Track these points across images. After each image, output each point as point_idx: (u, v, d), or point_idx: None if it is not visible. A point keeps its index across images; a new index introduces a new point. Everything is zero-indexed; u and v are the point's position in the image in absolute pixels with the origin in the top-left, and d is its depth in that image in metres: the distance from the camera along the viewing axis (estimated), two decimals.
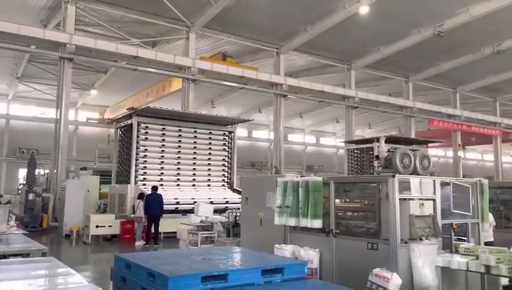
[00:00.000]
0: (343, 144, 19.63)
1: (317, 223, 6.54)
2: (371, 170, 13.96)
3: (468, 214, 6.48)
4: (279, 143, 16.93)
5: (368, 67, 18.97)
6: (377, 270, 5.34)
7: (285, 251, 6.55)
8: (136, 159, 14.18)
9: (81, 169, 19.95)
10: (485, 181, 6.83)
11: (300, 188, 6.84)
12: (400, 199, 5.75)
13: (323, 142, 34.61)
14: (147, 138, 14.53)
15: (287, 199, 6.93)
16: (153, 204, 12.10)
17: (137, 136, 14.24)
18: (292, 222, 6.83)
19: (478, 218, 6.56)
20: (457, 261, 5.20)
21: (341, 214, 7.21)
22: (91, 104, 25.66)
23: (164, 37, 16.51)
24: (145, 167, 14.40)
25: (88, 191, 15.04)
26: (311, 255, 6.36)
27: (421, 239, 5.63)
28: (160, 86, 19.00)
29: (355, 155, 16.16)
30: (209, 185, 15.36)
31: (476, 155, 41.96)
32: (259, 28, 15.76)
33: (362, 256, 5.93)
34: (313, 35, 15.43)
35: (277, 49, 17.04)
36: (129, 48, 14.86)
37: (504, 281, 5.57)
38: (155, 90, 19.59)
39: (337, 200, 7.22)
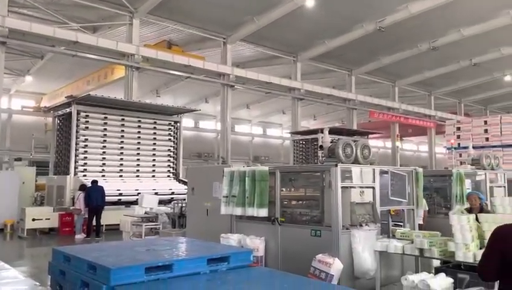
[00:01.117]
0: (289, 135, 19.98)
1: (263, 212, 6.64)
2: (316, 160, 14.38)
3: (405, 200, 6.86)
4: (226, 134, 16.90)
5: (313, 60, 19.35)
6: (319, 256, 5.52)
7: (232, 240, 6.59)
8: (76, 150, 13.61)
9: (16, 160, 18.86)
10: (420, 170, 7.25)
11: (246, 178, 6.90)
12: (342, 187, 5.96)
13: (270, 133, 35.02)
14: (87, 127, 13.96)
15: (234, 188, 6.97)
16: (94, 195, 11.71)
17: (77, 126, 13.66)
18: (238, 211, 6.89)
19: (413, 204, 6.96)
20: (394, 245, 5.49)
21: (286, 202, 7.37)
22: (26, 91, 24.14)
23: (106, 22, 15.83)
24: (85, 158, 13.86)
25: (23, 183, 14.27)
26: (256, 244, 6.45)
27: (361, 225, 5.88)
28: (102, 73, 18.25)
29: (301, 146, 16.57)
30: (154, 176, 15.07)
31: (412, 146, 44.37)
32: (205, 16, 15.56)
33: (306, 243, 6.11)
34: (260, 26, 15.48)
35: (224, 39, 16.92)
36: (68, 32, 14.10)
37: (436, 262, 5.96)
38: (96, 78, 18.78)
39: (283, 189, 7.38)
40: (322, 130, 6.68)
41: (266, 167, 7.00)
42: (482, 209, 6.35)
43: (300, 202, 7.56)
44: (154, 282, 3.00)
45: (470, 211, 6.22)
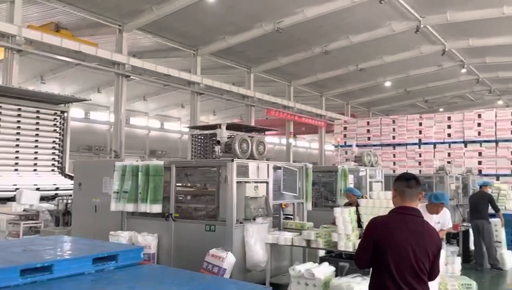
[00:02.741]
0: (187, 130, 19.71)
1: (157, 208, 6.47)
2: (213, 155, 14.42)
3: (295, 194, 7.22)
4: (119, 126, 16.08)
5: (214, 55, 19.36)
6: (213, 251, 5.55)
7: (122, 237, 6.32)
8: None
9: None
10: (310, 165, 7.68)
11: (140, 173, 6.65)
12: (237, 182, 6.06)
13: (168, 127, 34.27)
14: None
15: (126, 184, 6.67)
16: None
17: None
18: (130, 207, 6.62)
19: (303, 198, 7.36)
20: (284, 237, 5.74)
21: (181, 198, 7.27)
22: None
23: None
24: None
25: None
26: (148, 241, 6.26)
27: (254, 219, 6.05)
28: None
29: (199, 141, 16.42)
30: (35, 170, 13.74)
31: (305, 143, 46.99)
32: (99, 0, 14.60)
33: (200, 238, 6.09)
34: (159, 16, 14.99)
35: (120, 26, 16.05)
36: None
37: (321, 253, 6.37)
38: None
39: (179, 185, 7.26)
40: (220, 126, 6.71)
41: (161, 161, 6.83)
42: (357, 204, 6.85)
43: (196, 197, 7.52)
44: (31, 285, 2.72)
45: (350, 204, 6.74)
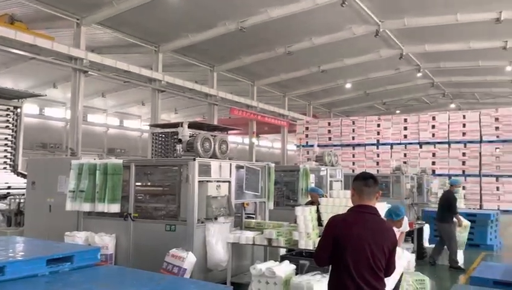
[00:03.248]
0: (148, 128, 19.31)
1: (115, 208, 6.31)
2: (175, 154, 14.21)
3: (257, 194, 7.24)
4: (76, 123, 15.52)
5: (176, 52, 19.08)
6: (173, 251, 5.48)
7: (78, 238, 6.12)
8: None
9: None
10: (272, 165, 7.74)
11: (97, 171, 6.46)
12: (199, 181, 6.01)
13: (128, 125, 33.50)
14: None
15: (82, 182, 6.46)
16: None
17: None
18: (87, 207, 6.42)
19: (265, 197, 7.40)
20: (246, 236, 5.75)
21: (141, 197, 7.12)
22: None
23: None
24: None
25: None
26: (106, 241, 6.10)
27: (216, 218, 6.02)
28: None
29: (160, 139, 16.11)
30: None
31: (268, 143, 47.27)
32: None
33: (160, 238, 6.00)
34: (119, 10, 14.57)
35: (78, 20, 15.48)
36: None
37: (282, 251, 6.43)
38: None
39: (138, 184, 7.11)
40: (182, 124, 6.62)
41: (120, 160, 6.67)
42: (318, 203, 6.96)
43: (157, 196, 7.39)
44: None
45: (312, 203, 6.85)
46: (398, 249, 4.99)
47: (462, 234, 8.82)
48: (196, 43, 17.42)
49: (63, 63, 15.51)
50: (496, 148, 15.18)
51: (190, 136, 6.53)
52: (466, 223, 9.01)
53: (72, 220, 6.70)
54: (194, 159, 5.93)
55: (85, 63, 15.43)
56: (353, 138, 18.03)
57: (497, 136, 15.19)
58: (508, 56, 19.34)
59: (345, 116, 28.88)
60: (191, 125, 7.25)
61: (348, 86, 25.29)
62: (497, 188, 14.82)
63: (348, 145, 18.08)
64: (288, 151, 29.28)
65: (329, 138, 18.60)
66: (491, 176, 15.04)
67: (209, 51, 18.89)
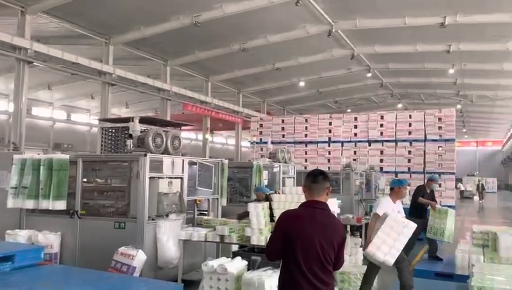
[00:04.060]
0: (97, 122, 18.66)
1: (61, 205, 6.06)
2: (125, 150, 13.80)
3: (210, 190, 7.20)
4: (19, 116, 14.71)
5: (128, 45, 18.53)
6: (122, 249, 5.34)
7: (20, 236, 5.82)
8: None
9: None
10: (226, 161, 7.72)
11: (42, 167, 6.17)
12: (150, 177, 5.89)
13: (75, 119, 32.22)
14: None
15: (25, 178, 6.15)
16: None
17: None
18: (30, 204, 6.12)
19: (218, 194, 7.37)
20: (198, 233, 5.70)
21: (89, 194, 6.88)
22: None
23: None
24: None
25: None
26: (50, 240, 5.84)
27: (167, 215, 5.92)
28: None
29: (110, 134, 15.58)
30: None
31: (222, 139, 47.18)
32: None
33: (109, 236, 5.83)
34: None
35: (23, 8, 14.65)
36: None
37: (234, 247, 6.43)
38: None
39: (86, 180, 6.86)
40: (133, 119, 6.44)
41: (67, 155, 6.40)
42: (267, 199, 6.98)
43: (105, 193, 7.17)
44: None
45: (258, 201, 6.83)
46: (392, 214, 5.19)
47: (441, 220, 8.22)
48: (149, 37, 17.00)
49: (5, 53, 14.62)
50: (439, 146, 15.98)
51: (141, 132, 6.37)
52: (440, 208, 8.56)
53: (14, 218, 6.37)
54: (145, 155, 5.80)
55: (30, 53, 14.65)
56: (306, 136, 18.33)
57: (440, 136, 15.98)
58: (451, 59, 20.44)
59: (299, 114, 29.33)
60: (143, 121, 7.07)
61: (302, 84, 25.70)
62: (440, 185, 15.63)
63: (300, 142, 18.36)
64: (242, 148, 29.36)
65: (283, 135, 18.81)
66: (434, 173, 15.83)
67: (163, 44, 18.52)
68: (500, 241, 5.89)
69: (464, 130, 47.01)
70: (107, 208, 6.65)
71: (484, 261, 5.00)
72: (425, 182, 9.71)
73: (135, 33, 17.02)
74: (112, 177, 7.23)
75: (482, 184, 30.88)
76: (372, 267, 5.42)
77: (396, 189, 5.66)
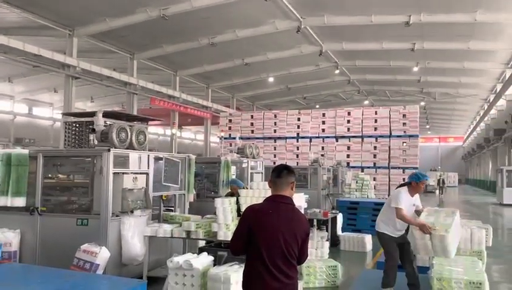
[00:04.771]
0: (61, 116, 18.08)
1: (20, 201, 5.85)
2: (88, 145, 13.41)
3: (177, 186, 7.12)
4: None
5: (93, 37, 17.99)
6: (85, 246, 5.20)
7: None
8: None
9: None
10: (193, 157, 7.64)
11: (0, 162, 5.91)
12: (114, 173, 5.75)
13: (37, 113, 31.14)
14: None
15: None
16: None
17: None
18: None
19: (185, 189, 7.29)
20: (164, 229, 5.62)
21: (50, 190, 6.66)
22: None
23: None
24: None
25: None
26: (9, 238, 5.63)
27: (132, 212, 5.81)
28: None
29: (74, 129, 15.08)
30: None
31: (191, 135, 46.77)
32: None
33: (71, 233, 5.67)
34: None
35: None
36: None
37: (201, 243, 6.39)
38: None
39: (47, 176, 6.64)
40: (97, 113, 6.28)
41: (26, 150, 6.16)
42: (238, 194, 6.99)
43: (68, 189, 6.96)
44: None
45: (232, 195, 6.88)
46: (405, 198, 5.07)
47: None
48: (115, 29, 16.58)
49: None
50: (403, 142, 16.44)
51: (106, 126, 6.21)
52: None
53: None
54: (109, 150, 5.66)
55: None
56: (275, 131, 18.46)
57: (404, 132, 16.46)
58: (416, 57, 21.01)
59: (268, 109, 29.43)
60: (109, 115, 6.90)
61: (271, 80, 25.78)
62: (403, 179, 16.07)
63: (269, 138, 18.47)
64: (211, 143, 29.19)
65: (252, 131, 18.86)
66: (398, 168, 16.29)
67: (129, 37, 18.12)
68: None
69: (427, 126, 48.54)
70: (70, 204, 6.47)
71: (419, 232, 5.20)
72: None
73: (100, 25, 16.56)
74: (75, 173, 7.03)
75: (443, 179, 32.00)
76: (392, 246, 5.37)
77: (413, 184, 5.40)
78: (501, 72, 23.92)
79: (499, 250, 9.19)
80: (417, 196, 5.56)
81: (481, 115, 36.83)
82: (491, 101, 29.39)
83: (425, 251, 4.98)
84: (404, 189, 5.46)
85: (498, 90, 25.80)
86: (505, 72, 23.20)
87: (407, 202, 5.29)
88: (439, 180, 31.01)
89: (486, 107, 32.02)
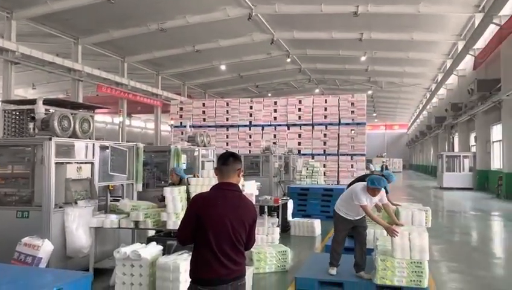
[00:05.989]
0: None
1: None
2: (28, 133, 12.73)
3: (124, 175, 6.93)
4: None
5: (33, 20, 16.99)
6: (26, 239, 4.96)
7: None
8: None
9: None
10: (141, 145, 7.46)
11: None
12: (56, 163, 5.50)
13: None
14: None
15: None
16: None
17: None
18: None
19: (133, 179, 7.12)
20: (111, 220, 5.47)
21: None
22: None
23: None
24: None
25: None
26: None
27: (76, 203, 5.60)
28: None
29: (14, 117, 14.24)
30: None
31: (140, 123, 45.63)
32: None
33: (11, 226, 5.39)
34: None
35: None
36: None
37: (151, 233, 6.28)
38: None
39: None
40: (37, 100, 5.94)
41: None
42: (180, 182, 6.81)
43: (6, 180, 6.58)
44: None
45: (173, 184, 6.64)
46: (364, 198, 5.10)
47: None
48: (57, 12, 15.75)
49: None
50: (351, 130, 16.94)
51: (47, 114, 5.91)
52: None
53: None
54: (50, 139, 5.39)
55: None
56: (227, 119, 18.38)
57: (352, 119, 16.94)
58: (363, 47, 21.61)
59: (220, 97, 29.24)
60: (52, 103, 6.56)
61: (223, 67, 25.60)
62: (352, 166, 16.63)
63: (222, 126, 18.38)
64: (162, 132, 28.66)
65: (204, 119, 18.67)
66: (347, 155, 16.79)
67: (73, 21, 17.28)
68: (401, 216, 6.43)
69: (374, 114, 50.34)
70: (9, 196, 6.13)
71: (387, 235, 5.40)
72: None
73: (41, 7, 15.66)
74: (14, 163, 6.65)
75: (386, 165, 33.47)
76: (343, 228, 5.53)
77: (369, 188, 5.23)
78: (442, 62, 25.18)
79: (438, 231, 9.74)
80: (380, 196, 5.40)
81: (424, 103, 38.65)
82: (432, 90, 30.90)
83: (403, 252, 4.99)
84: (361, 185, 5.39)
85: (439, 79, 27.16)
86: (445, 62, 24.44)
87: (365, 196, 5.27)
88: (382, 166, 32.39)
89: (428, 96, 33.64)
